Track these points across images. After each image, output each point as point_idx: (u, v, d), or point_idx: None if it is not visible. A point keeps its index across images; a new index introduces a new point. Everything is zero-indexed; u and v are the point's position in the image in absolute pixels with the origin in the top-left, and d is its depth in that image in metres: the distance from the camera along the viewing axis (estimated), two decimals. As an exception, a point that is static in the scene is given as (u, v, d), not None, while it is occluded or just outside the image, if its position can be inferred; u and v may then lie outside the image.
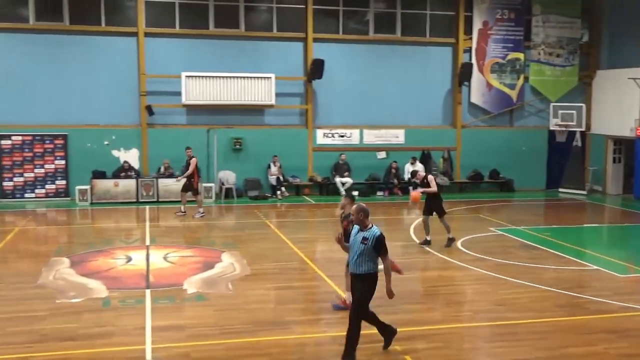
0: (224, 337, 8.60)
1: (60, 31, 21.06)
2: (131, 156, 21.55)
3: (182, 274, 11.84)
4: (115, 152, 21.39)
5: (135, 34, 21.45)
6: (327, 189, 22.80)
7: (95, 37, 21.30)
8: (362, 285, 7.71)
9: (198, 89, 21.64)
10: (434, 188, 14.15)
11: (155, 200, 20.76)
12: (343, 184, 22.36)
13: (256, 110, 22.60)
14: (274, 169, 22.21)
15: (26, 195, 20.82)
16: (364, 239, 7.61)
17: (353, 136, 23.47)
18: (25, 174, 20.90)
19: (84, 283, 11.12)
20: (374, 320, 8.02)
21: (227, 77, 21.88)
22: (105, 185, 20.70)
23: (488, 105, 24.50)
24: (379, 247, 7.61)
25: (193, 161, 18.40)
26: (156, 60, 21.54)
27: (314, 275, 12.01)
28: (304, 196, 22.60)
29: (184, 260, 12.97)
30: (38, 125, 21.01)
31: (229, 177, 21.99)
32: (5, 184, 20.74)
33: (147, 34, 21.49)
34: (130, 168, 21.14)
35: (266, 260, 13.04)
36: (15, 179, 20.83)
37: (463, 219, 18.37)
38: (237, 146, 22.28)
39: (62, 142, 21.11)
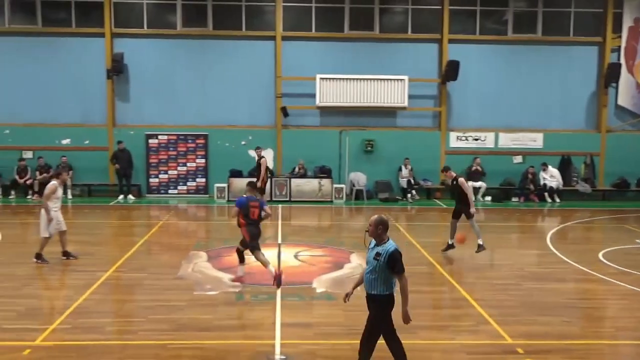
0: (351, 337, 8.59)
1: (204, 36, 22.18)
2: (266, 156, 22.21)
3: (312, 272, 12.03)
4: (251, 152, 22.18)
5: (273, 38, 22.15)
6: (459, 193, 22.27)
7: (236, 42, 22.23)
8: (373, 307, 6.93)
9: (332, 91, 21.94)
10: (469, 193, 13.25)
11: (287, 199, 21.28)
12: (477, 189, 21.73)
13: (389, 112, 22.54)
14: (405, 172, 22.04)
15: (170, 191, 22.12)
16: (377, 254, 6.79)
17: (488, 139, 22.79)
18: (170, 172, 22.21)
19: (220, 277, 11.58)
20: (394, 349, 7.03)
21: (360, 79, 22.01)
22: (241, 183, 21.45)
23: (638, 108, 22.85)
24: (392, 264, 6.71)
25: (263, 162, 18.88)
26: (292, 63, 22.10)
27: (443, 280, 11.76)
28: (435, 200, 22.24)
29: (314, 259, 13.16)
30: (182, 126, 22.25)
31: (359, 178, 22.10)
32: (151, 180, 22.16)
33: (284, 38, 22.12)
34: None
35: (395, 263, 12.92)
36: (160, 176, 22.20)
37: (606, 229, 17.26)
38: (369, 148, 22.34)
39: (203, 141, 22.22)
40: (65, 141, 21.96)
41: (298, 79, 22.14)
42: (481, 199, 21.91)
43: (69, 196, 21.02)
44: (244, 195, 11.14)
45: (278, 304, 10.05)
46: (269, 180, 19.93)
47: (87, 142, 21.95)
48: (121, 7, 21.92)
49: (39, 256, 12.47)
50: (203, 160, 22.28)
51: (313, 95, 21.98)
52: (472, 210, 13.15)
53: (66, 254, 12.74)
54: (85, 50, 21.88)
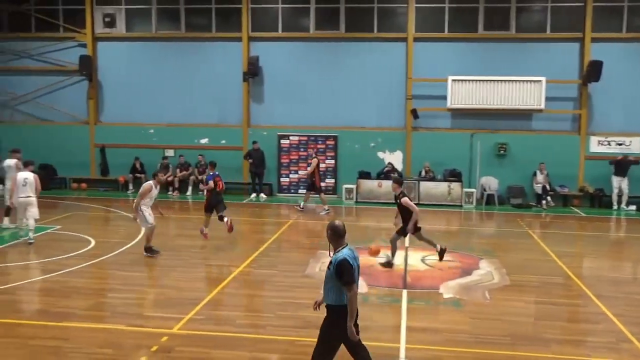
0: (479, 346, 8.36)
1: (336, 39, 22.47)
2: (395, 158, 22.15)
3: (439, 277, 11.82)
4: (380, 154, 22.17)
5: (404, 39, 22.02)
6: (599, 201, 21.03)
7: (367, 44, 22.32)
8: (327, 318, 6.49)
9: (464, 93, 21.46)
10: (414, 212, 12.13)
11: (417, 202, 21.03)
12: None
13: (523, 114, 21.69)
14: (540, 177, 21.10)
15: (300, 191, 22.61)
16: (330, 263, 6.44)
17: (633, 144, 21.31)
18: (300, 172, 22.70)
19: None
20: None
21: (494, 80, 21.35)
22: (369, 185, 21.58)
23: None
24: (339, 274, 6.24)
25: (314, 161, 19.21)
26: (423, 64, 21.85)
27: (580, 292, 11.13)
28: (572, 207, 21.12)
29: (442, 264, 12.92)
30: (312, 127, 22.67)
31: (491, 183, 21.45)
32: (282, 179, 22.78)
33: (415, 39, 21.93)
34: (393, 170, 21.72)
35: (526, 271, 12.43)
36: (290, 176, 22.75)
37: None
38: (501, 152, 21.62)
39: (333, 142, 22.51)
40: (204, 140, 23.09)
41: (429, 81, 21.84)
42: (625, 208, 20.53)
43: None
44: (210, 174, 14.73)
45: (404, 307, 9.96)
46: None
47: (223, 141, 22.96)
48: (258, 12, 22.72)
49: (148, 249, 13.00)
50: (333, 161, 22.58)
51: (444, 97, 21.59)
52: (409, 227, 12.28)
53: (149, 250, 13.03)
54: (223, 54, 22.88)
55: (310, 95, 22.66)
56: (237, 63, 22.68)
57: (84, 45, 23.28)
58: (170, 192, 22.25)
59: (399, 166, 21.95)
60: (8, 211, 15.77)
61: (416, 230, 12.44)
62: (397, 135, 22.27)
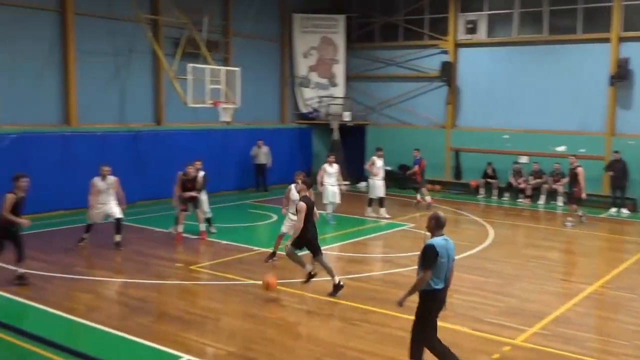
0: None
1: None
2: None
3: None
4: None
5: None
6: None
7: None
8: (418, 302, 6.98)
9: None
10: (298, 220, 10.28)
11: None
12: None
13: None
14: None
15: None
16: None
17: None
18: None
19: None
20: (437, 353, 7.04)
21: None
22: None
23: None
24: (422, 255, 6.87)
25: (580, 171, 17.22)
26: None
27: None
28: None
29: None
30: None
31: None
32: None
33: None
34: None
35: None
36: None
37: None
38: None
39: None
40: (561, 148, 21.97)
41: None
42: None
43: (559, 203, 20.96)
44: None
45: None
46: None
47: (582, 150, 21.49)
48: (630, 10, 20.72)
49: (273, 255, 12.60)
50: None
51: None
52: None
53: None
54: (587, 57, 21.42)
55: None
56: (602, 66, 21.03)
57: (446, 52, 24.12)
58: (520, 199, 21.73)
59: None
60: (381, 202, 18.02)
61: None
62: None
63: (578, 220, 17.43)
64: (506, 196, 22.24)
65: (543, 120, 22.32)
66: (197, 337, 8.52)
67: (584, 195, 17.41)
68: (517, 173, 22.06)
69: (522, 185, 21.79)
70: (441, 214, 7.05)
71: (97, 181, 13.46)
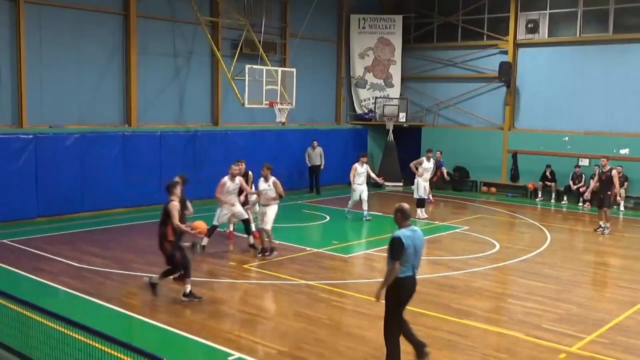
0: None
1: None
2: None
3: None
4: None
5: None
6: None
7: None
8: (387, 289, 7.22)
9: None
10: None
11: None
12: None
13: None
14: None
15: None
16: None
17: None
18: None
19: None
20: (404, 332, 7.46)
21: None
22: None
23: None
24: (389, 247, 7.15)
25: (615, 173, 16.47)
26: None
27: None
28: None
29: None
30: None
31: None
32: None
33: None
34: None
35: None
36: None
37: None
38: None
39: None
40: (624, 151, 21.24)
41: None
42: None
43: (621, 208, 20.25)
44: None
45: None
46: None
47: (647, 153, 20.77)
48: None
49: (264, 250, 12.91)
50: None
51: None
52: None
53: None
54: (656, 57, 20.74)
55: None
56: (671, 66, 20.29)
57: (505, 52, 23.66)
58: (580, 204, 21.10)
59: None
60: (421, 202, 18.04)
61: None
62: None
63: (605, 227, 16.53)
64: (565, 200, 21.65)
65: (606, 122, 21.62)
66: (248, 335, 8.61)
67: (619, 199, 16.95)
68: (578, 177, 21.42)
69: (582, 189, 21.16)
70: (406, 205, 7.30)
71: (227, 181, 13.08)
